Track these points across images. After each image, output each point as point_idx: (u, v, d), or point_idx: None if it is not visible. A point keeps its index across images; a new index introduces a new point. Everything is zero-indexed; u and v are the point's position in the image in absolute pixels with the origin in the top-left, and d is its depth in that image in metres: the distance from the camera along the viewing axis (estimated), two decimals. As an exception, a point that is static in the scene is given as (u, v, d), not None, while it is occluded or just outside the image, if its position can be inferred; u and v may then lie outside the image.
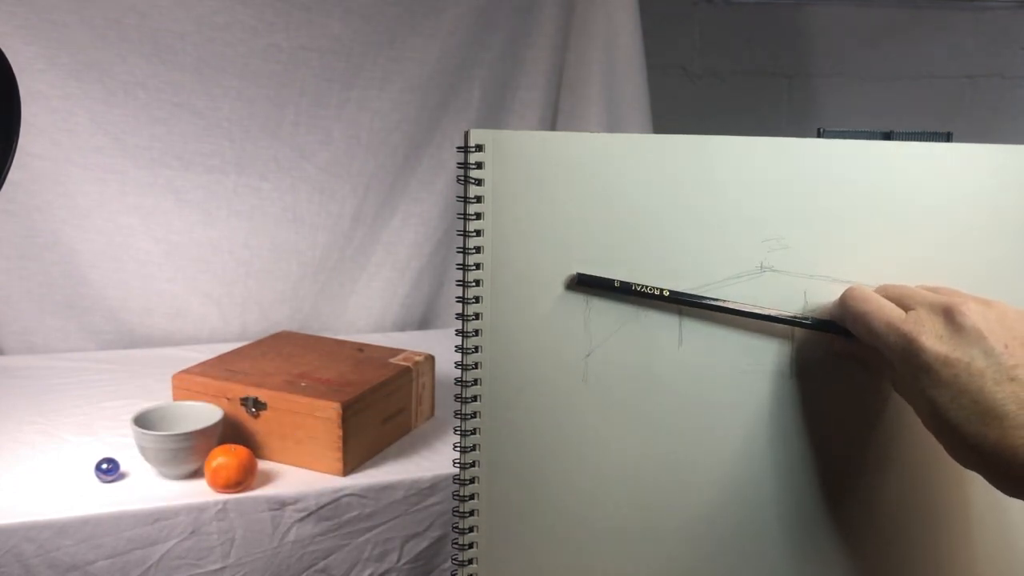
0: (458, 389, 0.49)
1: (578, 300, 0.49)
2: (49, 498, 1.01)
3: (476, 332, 0.49)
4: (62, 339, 1.59)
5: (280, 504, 1.05)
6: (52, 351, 1.57)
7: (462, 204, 0.48)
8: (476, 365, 0.49)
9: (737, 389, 0.50)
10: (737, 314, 0.49)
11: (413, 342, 1.54)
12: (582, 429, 0.50)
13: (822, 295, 0.51)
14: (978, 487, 0.48)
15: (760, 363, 0.50)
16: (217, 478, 1.03)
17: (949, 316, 0.43)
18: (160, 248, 1.61)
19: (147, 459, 1.07)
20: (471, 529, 0.50)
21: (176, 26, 1.51)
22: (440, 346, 1.40)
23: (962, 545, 0.51)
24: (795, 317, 0.49)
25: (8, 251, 1.53)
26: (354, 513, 1.08)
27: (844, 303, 0.48)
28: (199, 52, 1.53)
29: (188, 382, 1.17)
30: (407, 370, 1.24)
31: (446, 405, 1.29)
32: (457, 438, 0.50)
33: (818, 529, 0.52)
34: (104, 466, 1.05)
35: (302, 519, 1.06)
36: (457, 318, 0.49)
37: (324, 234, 1.70)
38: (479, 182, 0.48)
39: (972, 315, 0.43)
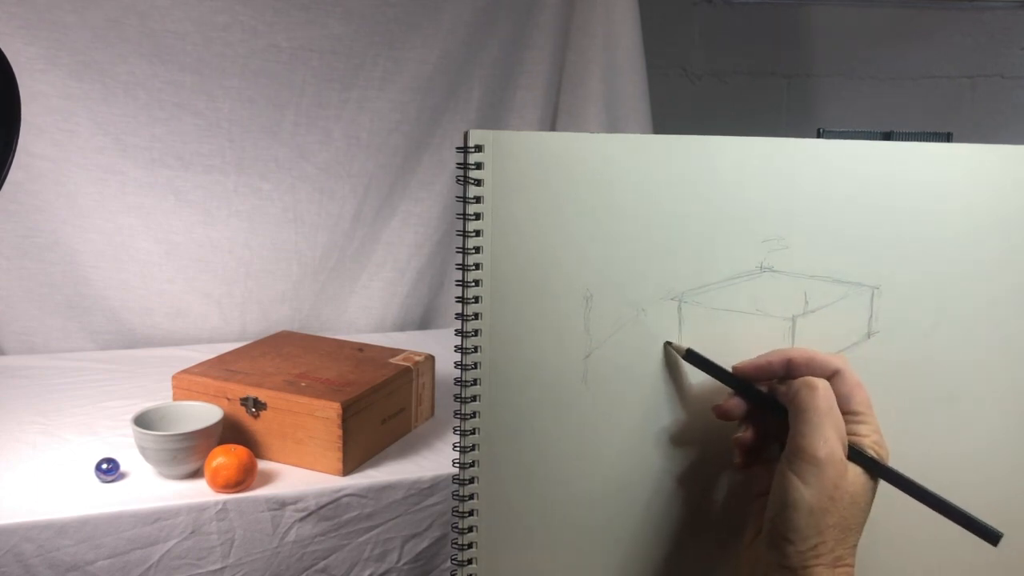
0: (458, 389, 0.49)
1: (578, 300, 0.49)
2: (49, 498, 1.01)
3: (476, 332, 0.49)
4: (62, 339, 1.59)
5: (280, 504, 1.05)
6: (52, 351, 1.57)
7: (462, 204, 0.48)
8: (476, 365, 0.49)
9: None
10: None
11: (413, 342, 1.54)
12: (582, 429, 0.50)
13: (822, 295, 0.51)
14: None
15: (760, 363, 0.50)
16: (217, 478, 1.03)
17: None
18: (160, 248, 1.61)
19: (147, 459, 1.07)
20: (471, 529, 0.50)
21: (176, 26, 1.51)
22: (440, 346, 1.40)
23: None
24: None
25: (8, 251, 1.53)
26: (354, 513, 1.08)
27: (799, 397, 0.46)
28: (199, 52, 1.53)
29: (188, 382, 1.17)
30: (407, 370, 1.24)
31: (446, 405, 1.29)
32: (457, 438, 0.50)
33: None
34: (104, 466, 1.05)
35: (302, 519, 1.06)
36: (457, 318, 0.49)
37: (324, 234, 1.70)
38: (479, 182, 0.48)
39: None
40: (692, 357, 0.49)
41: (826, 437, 0.44)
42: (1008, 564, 0.53)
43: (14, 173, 1.07)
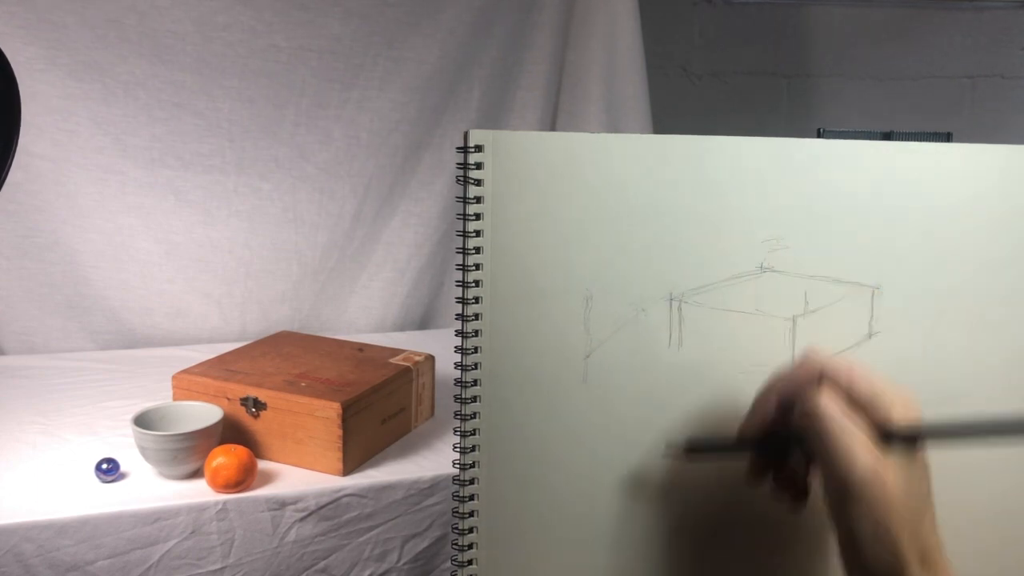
0: (458, 389, 0.49)
1: (578, 300, 0.49)
2: (49, 498, 1.01)
3: (476, 332, 0.49)
4: (62, 339, 1.59)
5: (280, 504, 1.05)
6: (52, 351, 1.57)
7: (462, 204, 0.48)
8: (476, 365, 0.49)
9: (738, 390, 0.50)
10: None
11: (413, 342, 1.54)
12: (582, 429, 0.50)
13: (822, 295, 0.51)
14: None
15: (760, 364, 0.50)
16: (217, 478, 1.03)
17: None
18: (160, 248, 1.61)
19: (147, 459, 1.07)
20: (471, 529, 0.50)
21: (176, 26, 1.51)
22: (440, 346, 1.40)
23: None
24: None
25: (8, 251, 1.53)
26: (354, 513, 1.08)
27: (811, 423, 0.43)
28: (199, 52, 1.53)
29: (188, 382, 1.17)
30: (407, 370, 1.24)
31: (446, 405, 1.29)
32: (457, 438, 0.50)
33: (826, 531, 0.52)
34: (104, 466, 1.05)
35: (302, 519, 1.06)
36: (457, 318, 0.49)
37: (324, 234, 1.70)
38: (479, 182, 0.48)
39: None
40: (694, 447, 0.49)
41: (851, 459, 0.41)
42: (1009, 565, 0.53)
43: (14, 173, 1.08)
